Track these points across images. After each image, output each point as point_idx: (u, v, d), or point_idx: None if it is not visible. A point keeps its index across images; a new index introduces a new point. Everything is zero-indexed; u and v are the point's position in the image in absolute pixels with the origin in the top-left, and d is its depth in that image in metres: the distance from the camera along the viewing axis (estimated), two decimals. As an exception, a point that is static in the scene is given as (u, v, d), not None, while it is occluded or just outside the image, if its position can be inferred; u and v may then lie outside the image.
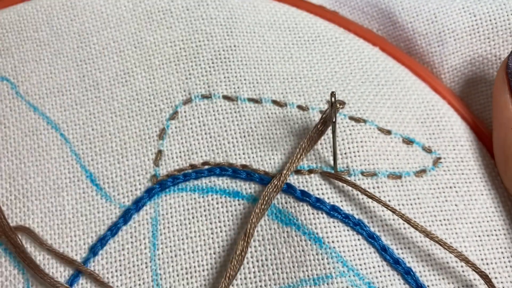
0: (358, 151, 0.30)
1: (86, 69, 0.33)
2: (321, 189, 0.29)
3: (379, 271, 0.27)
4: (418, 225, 0.27)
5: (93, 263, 0.29)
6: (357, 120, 0.31)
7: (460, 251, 0.27)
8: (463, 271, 0.28)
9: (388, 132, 0.31)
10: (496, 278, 0.28)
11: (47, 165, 0.31)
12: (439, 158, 0.30)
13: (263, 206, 0.28)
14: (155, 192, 0.30)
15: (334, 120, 0.27)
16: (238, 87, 0.32)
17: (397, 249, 0.28)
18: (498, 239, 0.29)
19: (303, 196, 0.29)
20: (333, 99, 0.26)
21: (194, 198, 0.30)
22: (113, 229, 0.29)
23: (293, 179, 0.29)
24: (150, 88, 0.32)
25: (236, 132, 0.31)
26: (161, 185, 0.30)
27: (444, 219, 0.29)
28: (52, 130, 0.31)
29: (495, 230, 0.29)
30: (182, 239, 0.29)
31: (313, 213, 0.28)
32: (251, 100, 0.32)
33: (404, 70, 0.33)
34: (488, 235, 0.29)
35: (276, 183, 0.28)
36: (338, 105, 0.26)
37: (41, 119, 0.32)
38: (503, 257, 0.29)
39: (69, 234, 0.29)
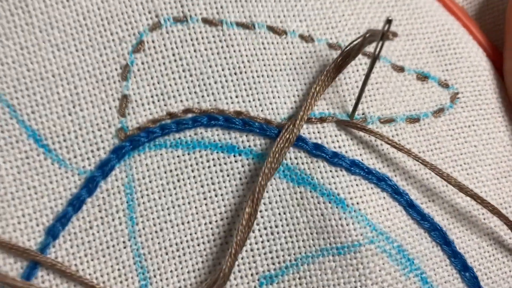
0: (374, 95, 0.26)
1: (10, -16, 0.24)
2: (337, 141, 0.25)
3: (407, 232, 0.25)
4: (452, 179, 0.25)
5: (54, 249, 0.23)
6: (371, 56, 0.26)
7: (493, 205, 0.25)
8: (484, 219, 0.27)
9: (401, 69, 0.27)
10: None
11: (-31, 124, 0.23)
12: (457, 93, 0.28)
13: (273, 165, 0.23)
14: (125, 152, 0.24)
15: (377, 56, 0.22)
16: (221, 7, 0.26)
17: (421, 203, 0.26)
18: (515, 180, 0.28)
19: (317, 151, 0.25)
20: (386, 27, 0.21)
21: (177, 156, 0.25)
22: (75, 203, 0.24)
23: (302, 130, 0.25)
24: (102, 10, 0.25)
25: (225, 68, 0.25)
26: (132, 142, 0.25)
27: (465, 163, 0.27)
28: None
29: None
30: (168, 209, 0.24)
31: (331, 170, 0.25)
32: (240, 25, 0.26)
33: (415, -15, 0.29)
34: (505, 177, 0.28)
35: (288, 136, 0.24)
36: (390, 36, 0.21)
37: None
38: (521, 199, 0.28)
39: (15, 214, 0.23)
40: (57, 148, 0.24)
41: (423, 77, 0.28)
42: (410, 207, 0.25)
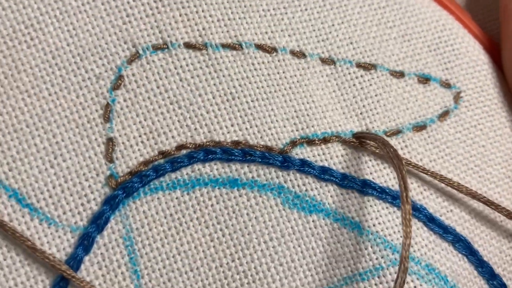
0: (375, 108, 0.27)
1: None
2: (345, 161, 0.26)
3: (433, 248, 0.26)
4: (463, 187, 0.26)
5: (55, 316, 0.23)
6: (366, 67, 0.27)
7: (508, 209, 0.26)
8: (501, 221, 0.28)
9: (401, 75, 0.28)
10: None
11: None
12: (460, 93, 0.29)
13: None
14: (118, 201, 0.24)
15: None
16: (203, 29, 0.26)
17: (440, 215, 0.26)
18: (526, 176, 0.29)
19: (325, 174, 0.25)
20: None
21: (176, 198, 0.25)
22: (72, 264, 0.23)
23: (306, 152, 0.25)
24: (72, 46, 0.24)
25: (216, 96, 0.25)
26: (124, 189, 0.24)
27: (475, 166, 0.28)
28: None
29: (522, 167, 0.29)
30: (173, 257, 0.24)
31: (341, 194, 0.25)
32: (226, 46, 0.26)
33: (404, -19, 0.29)
34: (517, 174, 0.29)
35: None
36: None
37: None
38: (535, 196, 0.29)
39: (7, 285, 0.22)
40: (43, 205, 0.23)
41: (424, 79, 0.28)
42: (430, 221, 0.26)
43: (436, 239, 0.26)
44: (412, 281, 0.25)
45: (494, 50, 0.30)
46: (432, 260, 0.26)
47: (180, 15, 0.26)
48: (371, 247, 0.25)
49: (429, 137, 0.27)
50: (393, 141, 0.27)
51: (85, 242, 0.23)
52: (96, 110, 0.24)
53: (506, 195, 0.29)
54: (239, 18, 0.26)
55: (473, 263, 0.26)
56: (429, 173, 0.26)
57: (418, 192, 0.26)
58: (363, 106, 0.27)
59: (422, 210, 0.26)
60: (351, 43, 0.27)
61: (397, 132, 0.27)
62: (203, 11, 0.26)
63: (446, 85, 0.29)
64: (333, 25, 0.27)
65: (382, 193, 0.26)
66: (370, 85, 0.27)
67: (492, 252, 0.27)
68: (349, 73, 0.27)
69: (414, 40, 0.28)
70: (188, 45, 0.25)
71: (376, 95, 0.27)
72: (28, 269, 0.23)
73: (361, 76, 0.27)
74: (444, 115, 0.28)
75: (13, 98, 0.24)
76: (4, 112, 0.23)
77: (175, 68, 0.25)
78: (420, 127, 0.27)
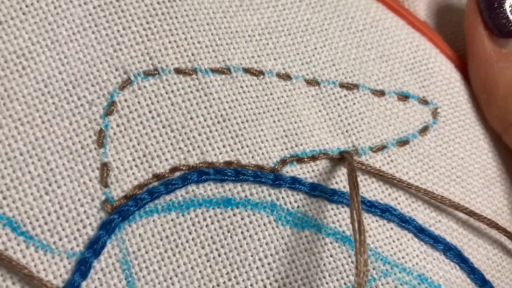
0: (360, 125, 0.28)
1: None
2: (333, 177, 0.26)
3: (424, 258, 0.27)
4: (446, 200, 0.27)
5: None
6: (349, 87, 0.28)
7: (490, 219, 0.28)
8: (485, 229, 0.29)
9: (382, 93, 0.29)
10: (509, 227, 0.30)
11: None
12: (437, 109, 0.30)
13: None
14: (114, 225, 0.24)
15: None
16: (193, 54, 0.26)
17: (430, 226, 0.27)
18: (502, 185, 0.30)
19: (315, 191, 0.26)
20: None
21: (171, 220, 0.25)
22: (70, 291, 0.23)
23: (296, 170, 0.26)
24: (64, 74, 0.25)
25: (207, 119, 0.26)
26: (120, 213, 0.24)
27: (457, 177, 0.29)
28: None
29: (498, 176, 0.30)
30: (170, 278, 0.24)
31: (332, 209, 0.26)
32: (215, 71, 0.26)
33: (379, 6, 0.31)
34: (494, 183, 0.30)
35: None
36: None
37: None
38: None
39: (3, 317, 0.22)
40: (39, 233, 0.23)
41: (403, 97, 0.30)
42: (420, 232, 0.27)
43: (427, 249, 0.27)
44: None
45: (463, 68, 0.32)
46: (425, 270, 0.26)
47: (170, 42, 0.26)
48: None
49: (412, 151, 0.29)
50: (379, 157, 0.28)
51: (82, 268, 0.24)
52: (90, 136, 0.25)
53: (487, 204, 0.30)
54: (227, 43, 0.27)
55: (465, 271, 0.27)
56: (413, 188, 0.27)
57: (406, 205, 0.27)
58: (348, 124, 0.28)
59: (411, 222, 0.27)
60: (334, 64, 0.29)
61: (382, 148, 0.28)
62: (191, 37, 0.27)
63: (424, 101, 0.30)
64: (315, 48, 0.29)
65: (371, 207, 0.27)
66: (354, 104, 0.28)
67: (480, 259, 0.28)
68: (333, 93, 0.28)
69: (391, 61, 0.30)
70: (178, 71, 0.26)
71: (360, 113, 0.28)
72: None
73: (345, 95, 0.28)
74: (424, 130, 0.30)
75: (6, 126, 0.24)
76: (-2, 139, 0.24)
77: (166, 93, 0.26)
78: (403, 142, 0.29)
